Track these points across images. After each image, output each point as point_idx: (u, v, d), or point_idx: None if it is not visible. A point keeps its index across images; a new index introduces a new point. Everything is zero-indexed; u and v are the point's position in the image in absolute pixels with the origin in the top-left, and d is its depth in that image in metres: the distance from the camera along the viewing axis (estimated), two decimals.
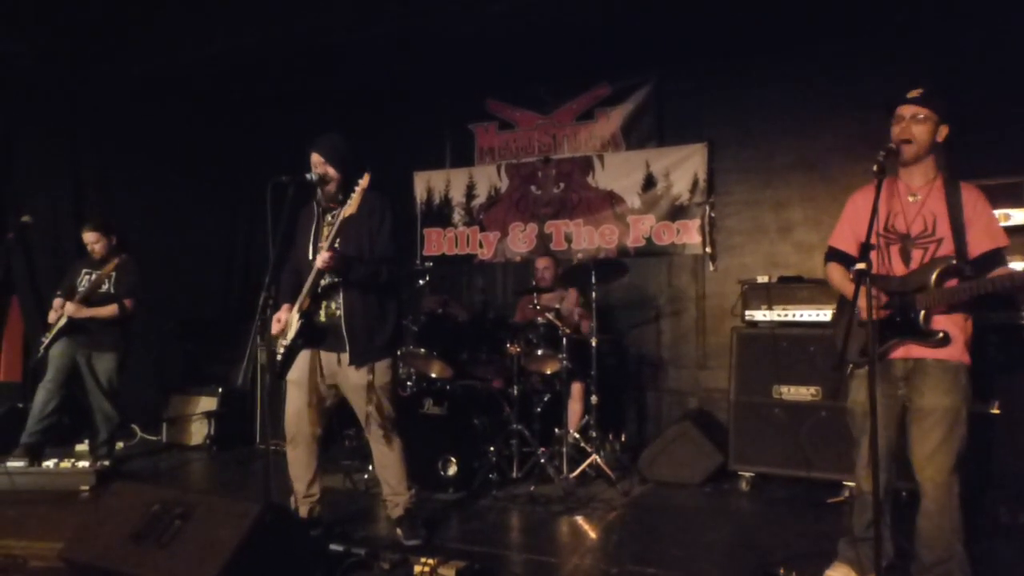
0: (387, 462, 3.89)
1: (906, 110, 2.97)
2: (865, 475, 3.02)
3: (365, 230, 3.70)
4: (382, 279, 3.70)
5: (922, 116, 2.95)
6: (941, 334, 2.90)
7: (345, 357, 3.70)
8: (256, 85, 7.00)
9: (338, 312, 3.69)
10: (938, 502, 2.92)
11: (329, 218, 3.77)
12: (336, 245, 3.60)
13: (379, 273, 3.68)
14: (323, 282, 3.70)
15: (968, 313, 2.99)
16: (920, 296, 2.93)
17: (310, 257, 3.73)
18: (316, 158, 3.74)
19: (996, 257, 2.92)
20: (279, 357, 3.79)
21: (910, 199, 3.04)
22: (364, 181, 3.50)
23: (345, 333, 3.68)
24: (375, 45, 6.23)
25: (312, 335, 3.74)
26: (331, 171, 3.72)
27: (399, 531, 3.87)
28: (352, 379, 3.74)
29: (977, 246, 2.91)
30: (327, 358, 3.79)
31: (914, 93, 2.97)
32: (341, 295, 3.69)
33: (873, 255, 3.02)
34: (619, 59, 6.41)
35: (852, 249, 3.17)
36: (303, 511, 3.91)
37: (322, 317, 3.76)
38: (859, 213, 3.14)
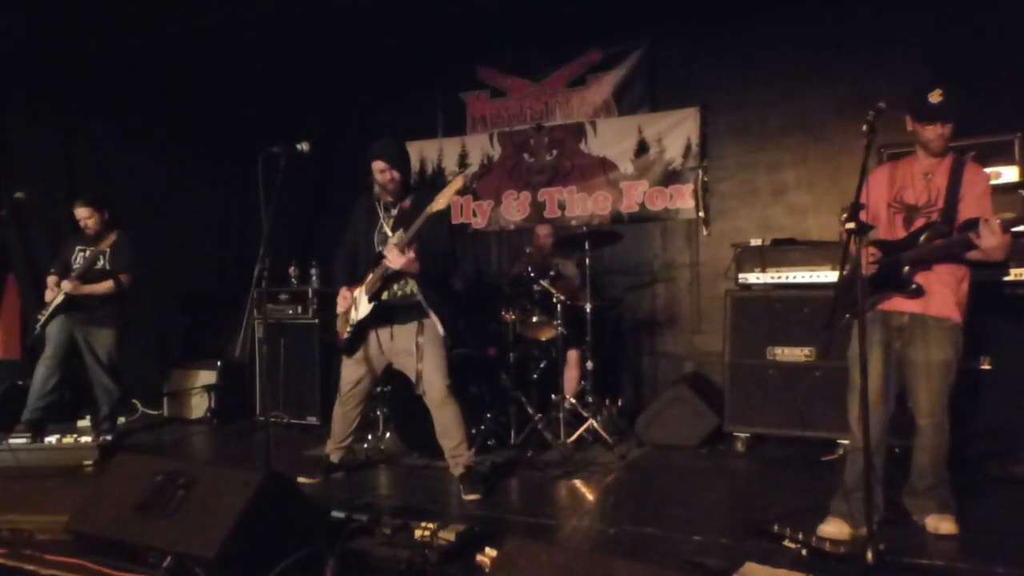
0: (447, 425, 4.21)
1: (937, 125, 3.26)
2: (857, 425, 3.19)
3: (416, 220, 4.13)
4: (445, 272, 4.26)
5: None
6: (915, 285, 3.27)
7: (399, 329, 4.18)
8: (249, 57, 6.96)
9: (411, 290, 4.15)
10: (935, 439, 3.31)
11: (394, 212, 4.21)
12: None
13: (447, 270, 4.27)
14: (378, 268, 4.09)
15: (960, 275, 3.30)
16: (906, 253, 3.29)
17: (376, 248, 4.16)
18: (380, 164, 4.13)
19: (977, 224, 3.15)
20: (347, 336, 4.26)
21: (924, 177, 3.36)
22: (458, 183, 3.90)
23: (427, 306, 4.12)
24: (366, 14, 6.19)
25: (382, 315, 4.17)
26: (396, 174, 4.13)
27: (460, 487, 4.12)
28: (402, 346, 4.19)
29: (964, 214, 3.23)
30: (383, 334, 4.24)
31: (935, 97, 3.21)
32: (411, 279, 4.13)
33: (881, 223, 3.42)
34: (611, 24, 6.36)
35: (867, 219, 3.45)
36: (335, 457, 4.52)
37: (389, 296, 4.18)
38: (877, 188, 3.45)
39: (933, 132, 3.27)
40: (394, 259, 3.94)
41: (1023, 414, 4.21)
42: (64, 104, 6.45)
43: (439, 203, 3.87)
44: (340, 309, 4.31)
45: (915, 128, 3.32)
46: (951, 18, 5.24)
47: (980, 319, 4.09)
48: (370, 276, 4.16)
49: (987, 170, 4.26)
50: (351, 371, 4.36)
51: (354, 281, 4.29)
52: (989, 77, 4.98)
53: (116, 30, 6.23)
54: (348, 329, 4.25)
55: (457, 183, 3.90)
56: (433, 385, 4.15)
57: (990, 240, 3.01)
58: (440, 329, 4.15)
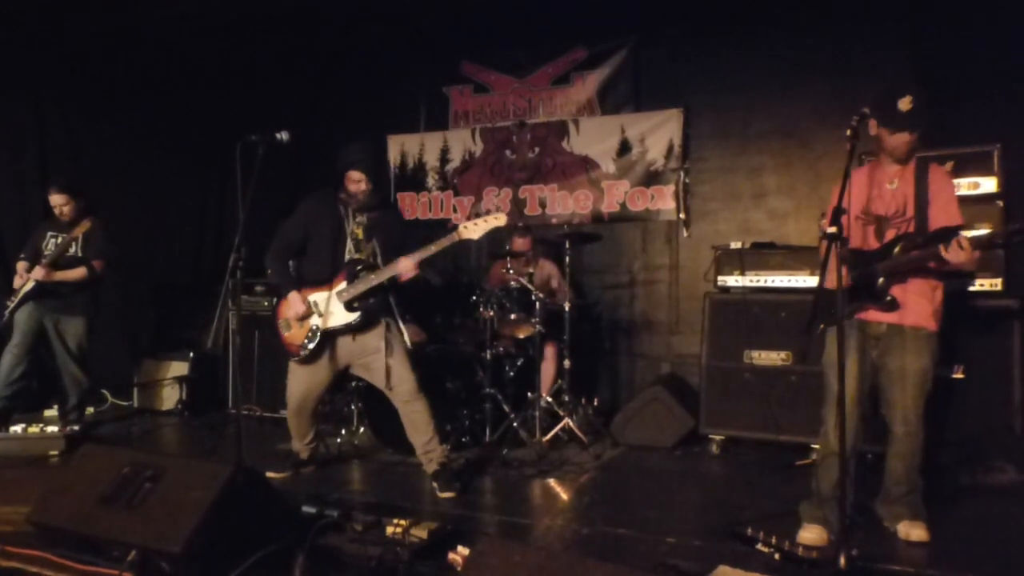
0: (417, 420, 4.17)
1: (905, 133, 3.22)
2: (833, 432, 3.17)
3: (392, 231, 4.20)
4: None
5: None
6: (890, 298, 3.24)
7: (362, 336, 4.12)
8: (230, 44, 6.86)
9: (372, 300, 4.09)
10: (910, 446, 3.33)
11: (360, 219, 4.14)
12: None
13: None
14: (371, 278, 4.03)
15: (935, 284, 3.30)
16: (880, 264, 3.28)
17: (346, 256, 4.12)
18: (357, 175, 4.04)
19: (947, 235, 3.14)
20: (309, 342, 4.13)
21: (888, 186, 3.35)
22: (501, 220, 3.93)
23: (396, 310, 4.17)
24: (350, 5, 6.13)
25: (353, 325, 4.10)
26: (371, 186, 4.08)
27: (435, 484, 4.08)
28: (371, 345, 4.11)
29: (934, 222, 3.22)
30: (345, 338, 4.16)
31: (905, 105, 3.15)
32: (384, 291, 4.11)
33: (855, 234, 3.38)
34: (596, 23, 6.35)
35: (844, 230, 3.43)
36: (304, 455, 4.50)
37: (362, 304, 4.09)
38: (858, 191, 3.41)
39: (900, 140, 3.23)
40: (406, 270, 3.97)
41: (994, 423, 4.25)
42: (37, 89, 6.31)
43: (472, 232, 3.89)
44: (293, 314, 4.15)
45: (880, 134, 3.26)
46: (932, 27, 5.28)
47: (953, 329, 4.13)
48: (343, 283, 4.08)
49: (966, 180, 4.37)
50: (304, 379, 4.25)
51: (300, 283, 4.19)
52: (969, 87, 5.02)
53: (94, 13, 6.12)
54: (309, 335, 4.14)
55: (500, 220, 3.91)
56: (403, 379, 4.12)
57: (959, 256, 3.00)
58: (404, 329, 4.18)
